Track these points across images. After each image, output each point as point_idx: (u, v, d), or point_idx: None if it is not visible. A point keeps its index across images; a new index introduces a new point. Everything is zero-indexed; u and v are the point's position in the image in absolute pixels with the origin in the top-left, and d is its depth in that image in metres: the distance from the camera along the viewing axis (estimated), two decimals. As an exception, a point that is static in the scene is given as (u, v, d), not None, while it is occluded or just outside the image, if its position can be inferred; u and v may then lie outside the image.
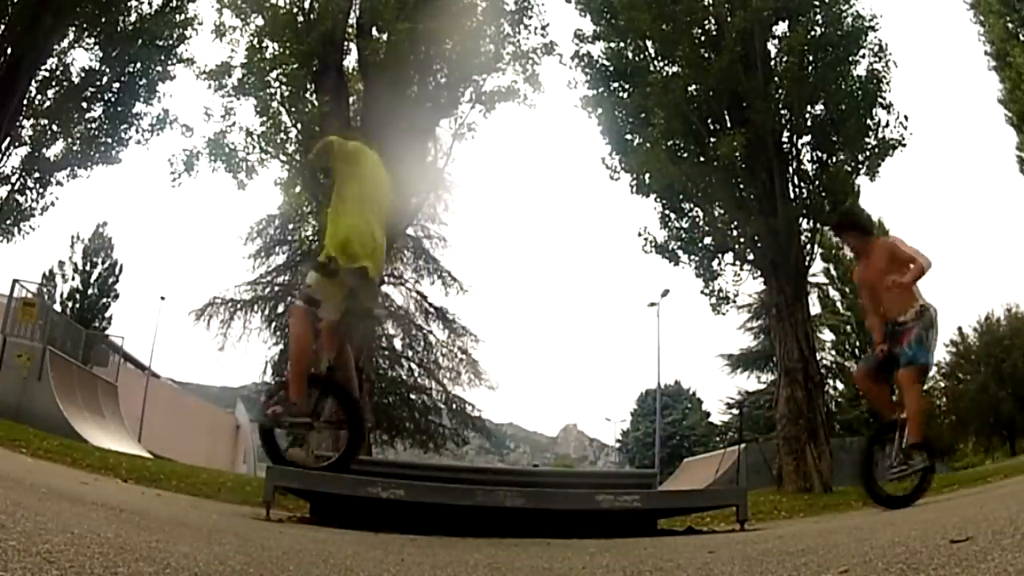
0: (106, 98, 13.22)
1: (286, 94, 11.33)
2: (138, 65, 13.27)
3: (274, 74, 11.20)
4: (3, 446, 6.29)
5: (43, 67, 12.49)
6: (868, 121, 12.05)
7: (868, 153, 12.07)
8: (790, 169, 12.41)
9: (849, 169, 12.12)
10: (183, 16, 13.45)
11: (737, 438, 18.76)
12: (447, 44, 11.46)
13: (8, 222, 13.00)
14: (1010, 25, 14.32)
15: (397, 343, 25.84)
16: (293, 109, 11.33)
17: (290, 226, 24.97)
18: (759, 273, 12.65)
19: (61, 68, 12.85)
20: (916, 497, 4.63)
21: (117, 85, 13.23)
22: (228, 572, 1.84)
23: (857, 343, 33.75)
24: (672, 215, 13.34)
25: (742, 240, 12.73)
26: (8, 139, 12.31)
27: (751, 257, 12.63)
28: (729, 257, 13.13)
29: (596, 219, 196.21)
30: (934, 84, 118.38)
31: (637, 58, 13.12)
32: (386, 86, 11.02)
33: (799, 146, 12.60)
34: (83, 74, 12.98)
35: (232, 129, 11.54)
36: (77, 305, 32.34)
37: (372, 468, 5.81)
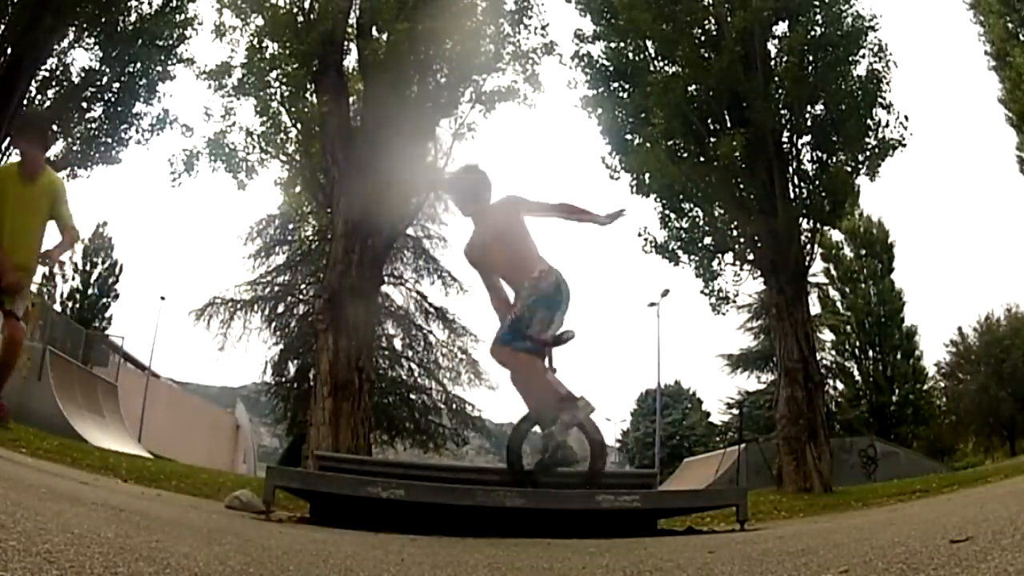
0: (106, 98, 13.21)
1: (286, 94, 11.34)
2: (138, 65, 13.27)
3: (274, 74, 11.21)
4: (3, 446, 6.29)
5: (43, 67, 12.48)
6: (868, 121, 12.06)
7: (868, 153, 12.08)
8: (790, 169, 12.42)
9: (849, 169, 12.13)
10: (183, 16, 13.45)
11: (737, 438, 18.76)
12: (447, 44, 11.46)
13: (8, 222, 13.00)
14: (1010, 25, 14.33)
15: (397, 343, 25.84)
16: (293, 109, 11.34)
17: (290, 226, 24.97)
18: (759, 273, 12.66)
19: (61, 68, 12.85)
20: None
21: (117, 85, 13.22)
22: (228, 572, 1.84)
23: (857, 343, 33.80)
24: (672, 215, 13.35)
25: (742, 240, 12.73)
26: (8, 139, 12.31)
27: (751, 257, 12.63)
28: (729, 257, 13.15)
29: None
30: (934, 84, 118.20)
31: (637, 58, 13.12)
32: (386, 86, 11.02)
33: (799, 146, 12.61)
34: (83, 74, 12.97)
35: (232, 129, 11.57)
36: (77, 305, 32.39)
37: (372, 468, 5.82)
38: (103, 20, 12.73)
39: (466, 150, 20.52)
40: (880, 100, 12.09)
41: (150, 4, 13.20)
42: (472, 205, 4.44)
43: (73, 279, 33.30)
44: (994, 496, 4.27)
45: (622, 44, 13.26)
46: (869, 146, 12.07)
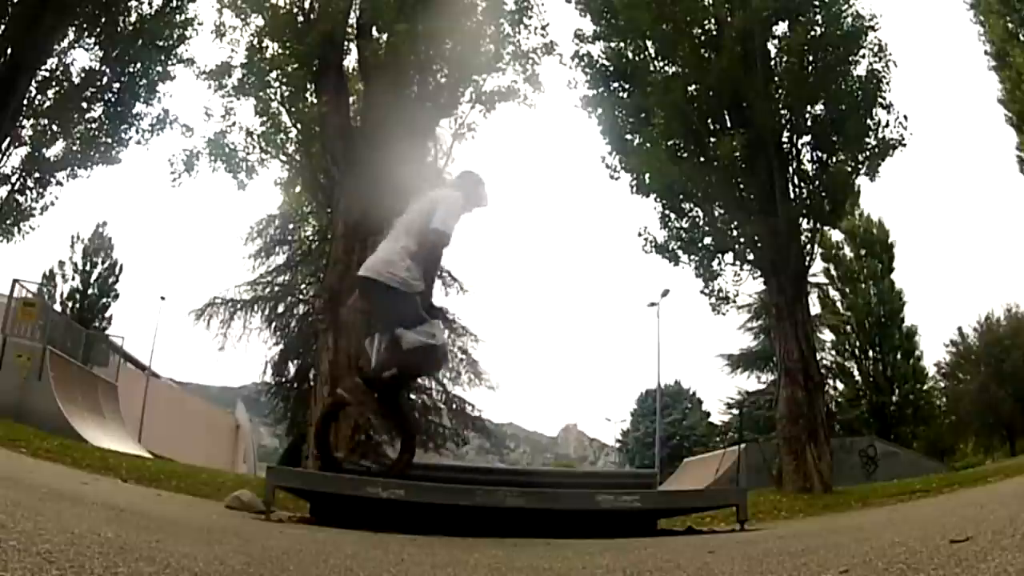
0: (106, 98, 13.21)
1: (286, 94, 11.33)
2: (138, 65, 13.27)
3: (274, 74, 11.21)
4: (3, 446, 6.29)
5: (43, 67, 12.49)
6: (868, 121, 12.03)
7: (868, 153, 12.06)
8: (790, 169, 12.39)
9: (849, 169, 12.12)
10: (183, 16, 13.45)
11: (737, 438, 18.75)
12: (447, 44, 11.46)
13: (8, 222, 13.01)
14: (1010, 25, 14.33)
15: (397, 343, 25.80)
16: (293, 109, 11.34)
17: (290, 226, 24.93)
18: (759, 273, 12.65)
19: (61, 68, 12.85)
20: None
21: (117, 85, 13.23)
22: (228, 572, 1.84)
23: (857, 343, 33.79)
24: (672, 215, 13.33)
25: (742, 240, 12.72)
26: (8, 139, 12.31)
27: (751, 257, 12.62)
28: (729, 257, 13.13)
29: (596, 219, 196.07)
30: (934, 84, 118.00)
31: (637, 58, 13.11)
32: (386, 86, 11.02)
33: (799, 146, 12.58)
34: (83, 74, 12.98)
35: (232, 129, 11.57)
36: (77, 305, 32.38)
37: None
38: (103, 20, 12.74)
39: (466, 150, 20.51)
40: (880, 100, 12.07)
41: (150, 4, 13.21)
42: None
43: (73, 279, 33.31)
44: (994, 496, 4.27)
45: (622, 44, 13.25)
46: (869, 146, 12.05)
